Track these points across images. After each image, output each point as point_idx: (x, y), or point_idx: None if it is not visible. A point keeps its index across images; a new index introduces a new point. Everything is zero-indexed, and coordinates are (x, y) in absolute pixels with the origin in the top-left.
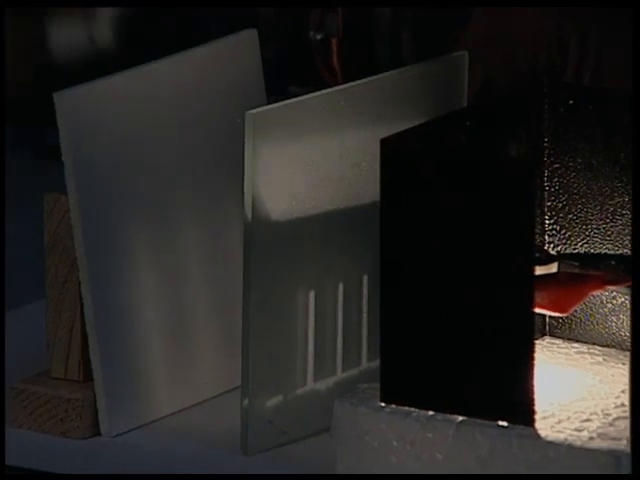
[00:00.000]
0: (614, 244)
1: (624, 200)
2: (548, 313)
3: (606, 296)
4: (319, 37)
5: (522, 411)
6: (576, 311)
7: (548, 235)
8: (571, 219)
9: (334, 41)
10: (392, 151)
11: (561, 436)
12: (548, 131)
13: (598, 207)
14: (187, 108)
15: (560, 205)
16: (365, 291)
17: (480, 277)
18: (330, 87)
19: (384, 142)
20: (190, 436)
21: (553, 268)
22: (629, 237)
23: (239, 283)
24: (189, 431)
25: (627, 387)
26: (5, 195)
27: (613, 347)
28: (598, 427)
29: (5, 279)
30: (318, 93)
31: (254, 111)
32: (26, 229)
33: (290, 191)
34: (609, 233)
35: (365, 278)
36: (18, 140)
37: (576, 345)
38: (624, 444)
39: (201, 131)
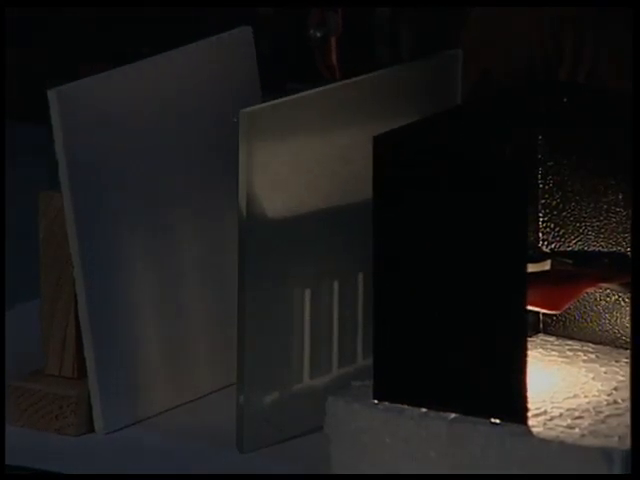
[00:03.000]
0: (608, 242)
1: (618, 198)
2: (541, 311)
3: (600, 294)
4: (319, 35)
5: (515, 408)
6: (570, 309)
7: (542, 233)
8: (565, 217)
9: (333, 39)
10: (385, 148)
11: (553, 433)
12: (542, 129)
13: (592, 205)
14: (182, 105)
15: (554, 203)
16: (360, 289)
17: (473, 275)
18: (327, 85)
19: (377, 139)
20: (184, 433)
21: (546, 266)
22: (623, 235)
23: (234, 281)
24: (183, 428)
25: (619, 385)
26: (5, 195)
27: (606, 345)
28: (590, 424)
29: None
30: (312, 91)
31: (248, 110)
32: (20, 227)
33: (285, 189)
34: (603, 231)
35: (360, 276)
36: (15, 138)
37: (569, 343)
38: (615, 441)
39: (196, 128)
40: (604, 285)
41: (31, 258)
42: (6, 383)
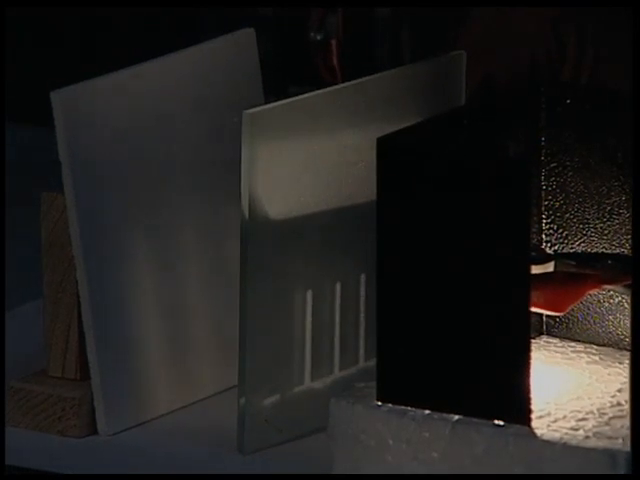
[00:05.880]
0: (611, 243)
1: (621, 199)
2: (545, 312)
3: (603, 295)
4: (319, 37)
5: (518, 410)
6: (573, 310)
7: (545, 234)
8: (568, 218)
9: (334, 42)
10: (389, 150)
11: (557, 435)
12: (545, 130)
13: (595, 206)
14: (184, 107)
15: (557, 204)
16: (363, 290)
17: (477, 276)
18: (329, 87)
19: (380, 141)
20: (187, 435)
21: (550, 267)
22: (626, 236)
23: (237, 282)
24: (186, 430)
25: (623, 386)
26: (5, 195)
27: (610, 346)
28: (594, 426)
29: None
30: (315, 92)
31: (251, 111)
32: (22, 228)
33: (287, 191)
34: (606, 232)
35: (362, 277)
36: (16, 139)
37: (573, 344)
38: (620, 443)
39: (198, 130)
40: (607, 287)
41: (32, 259)
42: (8, 384)
